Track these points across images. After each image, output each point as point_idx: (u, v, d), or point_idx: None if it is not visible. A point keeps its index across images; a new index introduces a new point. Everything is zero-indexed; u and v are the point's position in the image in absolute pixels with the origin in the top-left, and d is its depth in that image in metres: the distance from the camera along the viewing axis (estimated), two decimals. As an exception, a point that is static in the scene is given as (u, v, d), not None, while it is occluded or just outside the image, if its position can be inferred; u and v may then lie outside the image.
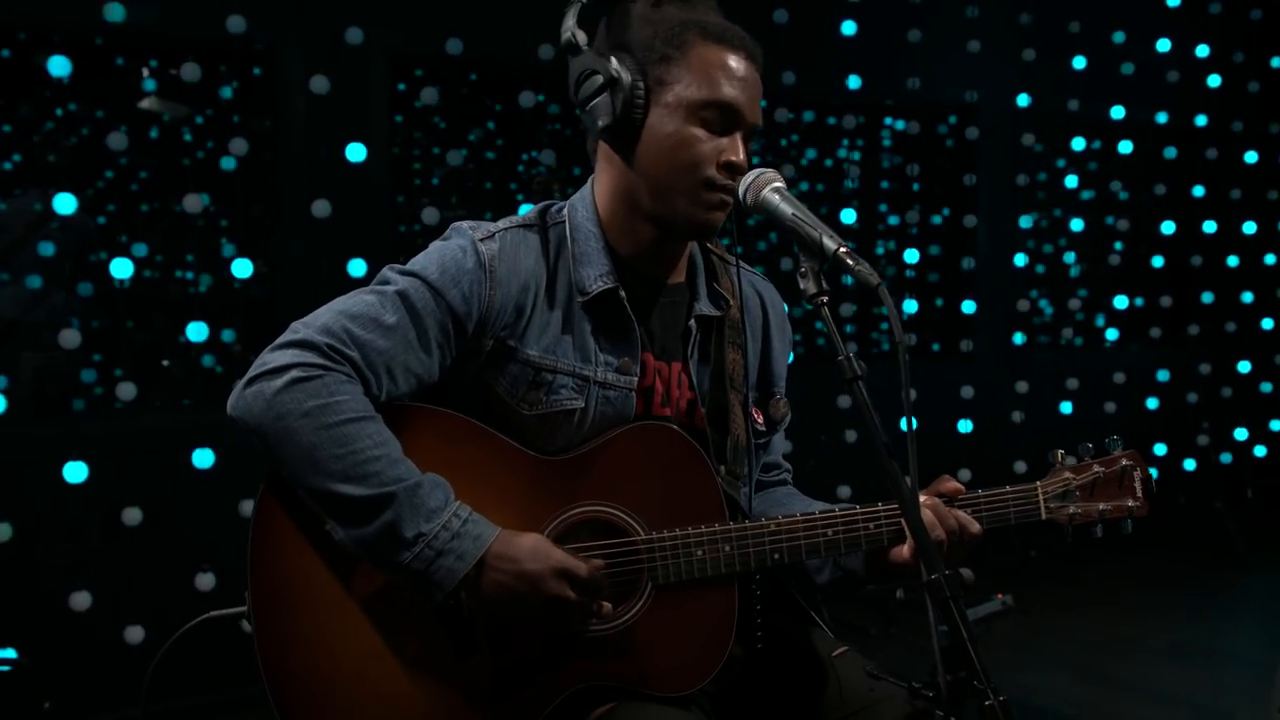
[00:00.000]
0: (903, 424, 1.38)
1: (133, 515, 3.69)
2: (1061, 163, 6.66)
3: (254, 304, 4.63)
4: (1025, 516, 1.89)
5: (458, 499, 1.64)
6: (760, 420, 1.95)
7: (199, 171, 4.26)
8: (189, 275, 4.85)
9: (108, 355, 4.47)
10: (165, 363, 4.73)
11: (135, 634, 3.70)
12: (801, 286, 1.57)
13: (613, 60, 1.72)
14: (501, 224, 1.81)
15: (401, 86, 4.72)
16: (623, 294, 1.80)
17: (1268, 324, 6.48)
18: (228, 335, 4.19)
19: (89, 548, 3.81)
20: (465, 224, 1.80)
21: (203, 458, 3.69)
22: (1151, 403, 6.05)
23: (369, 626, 1.67)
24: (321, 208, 3.90)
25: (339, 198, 4.03)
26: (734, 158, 1.73)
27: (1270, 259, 6.52)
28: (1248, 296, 6.24)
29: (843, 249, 1.53)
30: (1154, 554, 5.78)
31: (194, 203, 3.67)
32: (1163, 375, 6.05)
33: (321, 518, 1.63)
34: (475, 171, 5.19)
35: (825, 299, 1.56)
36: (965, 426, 5.48)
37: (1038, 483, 1.91)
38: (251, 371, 1.64)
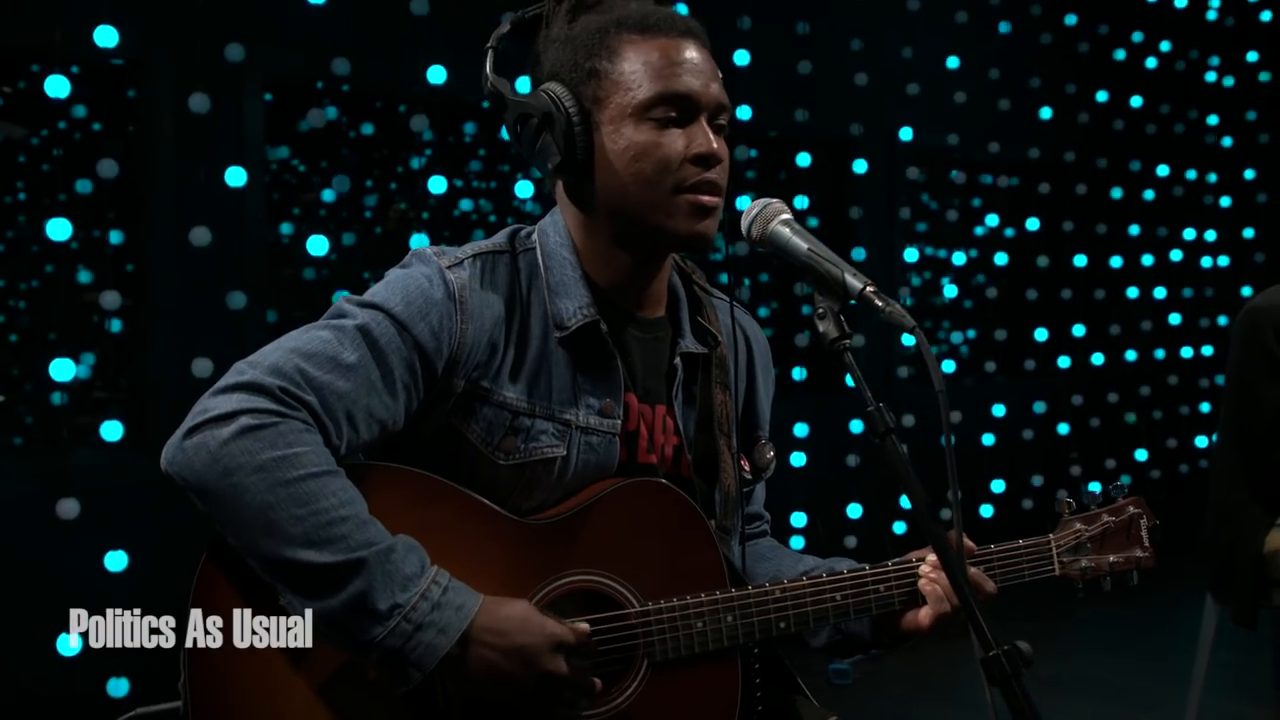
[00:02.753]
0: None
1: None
2: (930, 201, 6.74)
3: (114, 338, 4.28)
4: (1039, 573, 1.78)
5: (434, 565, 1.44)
6: (747, 468, 1.78)
7: (51, 194, 3.91)
8: (21, 305, 4.46)
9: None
10: (1, 398, 4.33)
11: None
12: (820, 329, 1.43)
13: (540, 95, 1.55)
14: (469, 249, 1.60)
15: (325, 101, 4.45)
16: (604, 328, 1.60)
17: (1131, 355, 6.66)
18: (83, 372, 3.84)
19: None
20: (428, 249, 1.59)
21: (67, 508, 3.35)
22: (1027, 434, 6.13)
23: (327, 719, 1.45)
24: (200, 235, 3.61)
25: (214, 225, 3.72)
26: (703, 148, 1.54)
27: (1133, 292, 6.72)
28: (1114, 329, 6.41)
29: (869, 288, 1.40)
30: (1032, 584, 5.80)
31: (59, 229, 3.35)
32: (1039, 407, 6.14)
33: (276, 591, 1.40)
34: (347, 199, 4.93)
35: (848, 343, 1.42)
36: (852, 461, 5.45)
37: (1050, 536, 1.79)
38: (191, 419, 1.40)
